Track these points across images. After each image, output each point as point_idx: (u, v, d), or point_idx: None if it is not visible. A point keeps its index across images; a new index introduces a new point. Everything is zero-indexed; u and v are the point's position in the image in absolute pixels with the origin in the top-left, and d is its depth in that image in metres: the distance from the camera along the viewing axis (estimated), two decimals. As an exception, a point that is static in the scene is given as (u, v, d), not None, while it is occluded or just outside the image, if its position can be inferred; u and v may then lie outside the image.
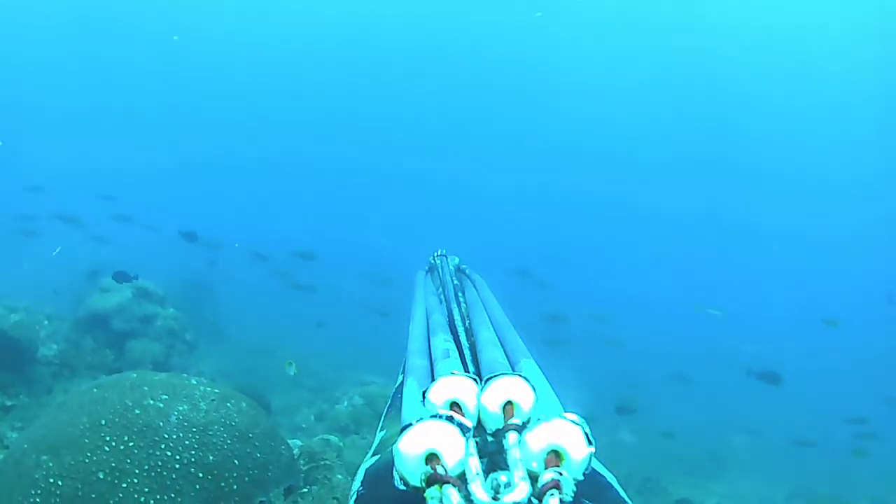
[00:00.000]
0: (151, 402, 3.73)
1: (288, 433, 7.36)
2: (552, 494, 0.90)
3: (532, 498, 0.91)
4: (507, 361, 1.75)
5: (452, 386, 1.21)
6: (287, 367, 7.37)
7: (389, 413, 2.11)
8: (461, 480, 0.94)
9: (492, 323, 2.09)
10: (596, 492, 1.25)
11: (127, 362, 7.92)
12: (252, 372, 9.82)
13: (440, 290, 2.79)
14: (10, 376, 6.67)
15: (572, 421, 1.05)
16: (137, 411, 3.64)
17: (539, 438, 1.02)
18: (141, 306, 8.71)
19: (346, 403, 8.79)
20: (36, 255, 13.11)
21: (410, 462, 1.00)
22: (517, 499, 0.89)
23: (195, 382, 4.09)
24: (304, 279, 13.17)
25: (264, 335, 12.47)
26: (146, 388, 3.84)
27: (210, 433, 3.69)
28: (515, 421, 1.10)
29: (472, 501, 0.90)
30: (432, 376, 1.70)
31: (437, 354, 1.82)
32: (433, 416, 1.05)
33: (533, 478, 0.95)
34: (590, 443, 1.03)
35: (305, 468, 4.59)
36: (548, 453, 1.01)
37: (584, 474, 1.02)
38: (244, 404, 4.06)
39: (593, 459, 1.04)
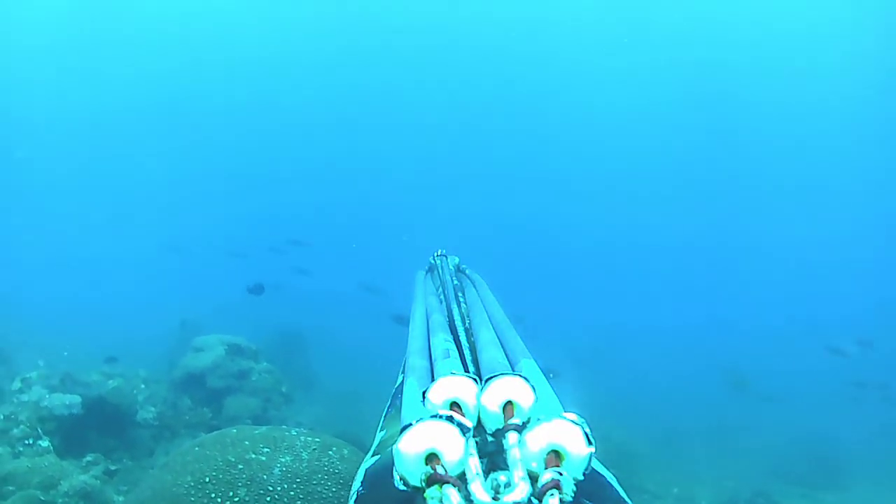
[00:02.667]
0: (253, 455, 3.74)
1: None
2: (552, 494, 0.90)
3: (532, 498, 0.91)
4: (507, 361, 1.75)
5: (452, 386, 1.21)
6: None
7: (389, 413, 2.11)
8: (461, 480, 0.94)
9: (492, 323, 2.09)
10: (596, 492, 1.25)
11: (225, 419, 8.08)
12: (349, 418, 9.89)
13: (440, 289, 2.79)
14: (112, 441, 6.88)
15: (572, 421, 1.05)
16: (241, 466, 3.65)
17: (539, 438, 1.02)
18: (235, 362, 8.87)
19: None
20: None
21: (410, 462, 1.00)
22: (517, 499, 0.89)
23: (295, 433, 4.09)
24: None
25: (357, 380, 12.43)
26: (247, 443, 3.86)
27: (314, 482, 3.68)
28: (515, 421, 1.10)
29: (472, 501, 0.90)
30: (432, 376, 1.70)
31: (437, 354, 1.82)
32: (433, 417, 1.05)
33: (533, 478, 0.95)
34: (589, 443, 1.03)
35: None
36: (548, 453, 1.01)
37: (584, 474, 1.02)
38: (346, 451, 4.03)
39: (593, 459, 1.04)
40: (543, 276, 24.46)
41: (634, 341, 17.28)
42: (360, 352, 13.70)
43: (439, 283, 2.88)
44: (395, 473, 1.02)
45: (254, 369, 8.94)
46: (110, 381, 7.70)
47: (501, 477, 0.96)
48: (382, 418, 2.13)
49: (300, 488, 3.61)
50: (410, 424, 1.03)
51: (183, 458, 3.87)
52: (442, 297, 2.66)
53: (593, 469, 1.04)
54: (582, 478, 1.01)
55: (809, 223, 28.78)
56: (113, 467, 6.57)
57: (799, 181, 29.73)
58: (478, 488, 0.92)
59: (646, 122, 30.87)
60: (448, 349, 1.83)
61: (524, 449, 1.01)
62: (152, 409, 7.69)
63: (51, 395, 7.02)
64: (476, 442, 1.05)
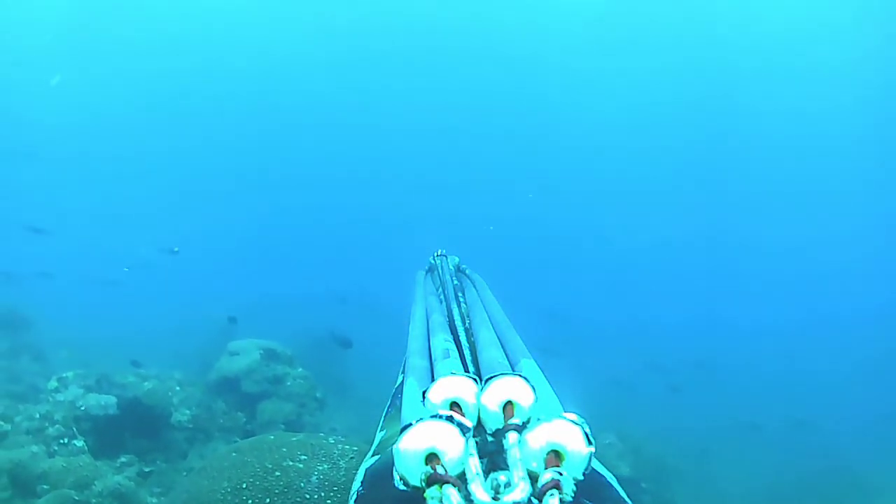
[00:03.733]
0: (291, 463, 3.73)
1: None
2: (552, 494, 0.90)
3: (532, 498, 0.91)
4: (507, 361, 1.75)
5: (452, 386, 1.21)
6: None
7: (389, 413, 2.11)
8: (461, 480, 0.94)
9: (492, 323, 2.09)
10: (596, 492, 1.25)
11: (259, 424, 8.09)
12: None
13: (440, 290, 2.79)
14: (146, 443, 6.92)
15: (572, 421, 1.05)
16: (278, 473, 3.65)
17: (539, 438, 1.02)
18: (270, 367, 8.90)
19: None
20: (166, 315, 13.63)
21: (410, 462, 1.00)
22: (517, 498, 0.89)
23: (332, 441, 4.08)
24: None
25: (392, 387, 12.59)
26: (284, 450, 3.84)
27: (352, 491, 3.72)
28: (515, 421, 1.10)
29: (472, 501, 0.90)
30: (432, 376, 1.70)
31: (437, 354, 1.82)
32: (433, 417, 1.05)
33: (533, 478, 0.95)
34: (589, 442, 1.03)
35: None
36: (548, 453, 1.01)
37: (583, 474, 1.02)
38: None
39: (593, 459, 1.04)
40: (567, 284, 24.54)
41: (662, 353, 17.35)
42: (396, 358, 13.88)
43: (439, 283, 2.88)
44: (395, 473, 1.02)
45: (289, 374, 8.95)
46: (145, 383, 7.75)
47: (501, 477, 0.96)
48: (382, 418, 2.13)
49: (338, 496, 3.59)
50: (410, 424, 1.03)
51: (220, 463, 3.86)
52: (442, 297, 2.66)
53: (593, 469, 1.04)
54: (582, 478, 1.01)
55: (810, 224, 28.85)
56: (147, 469, 6.63)
57: (798, 182, 29.79)
58: (478, 488, 0.92)
59: (646, 123, 30.92)
60: (448, 349, 1.83)
61: (524, 449, 1.01)
62: (187, 411, 7.72)
63: (86, 396, 7.06)
64: (476, 442, 1.05)
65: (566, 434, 1.03)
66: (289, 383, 8.84)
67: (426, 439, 1.01)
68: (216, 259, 20.93)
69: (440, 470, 0.96)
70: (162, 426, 7.18)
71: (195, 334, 12.06)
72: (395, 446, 1.02)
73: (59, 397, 7.20)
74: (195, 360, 10.17)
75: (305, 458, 3.80)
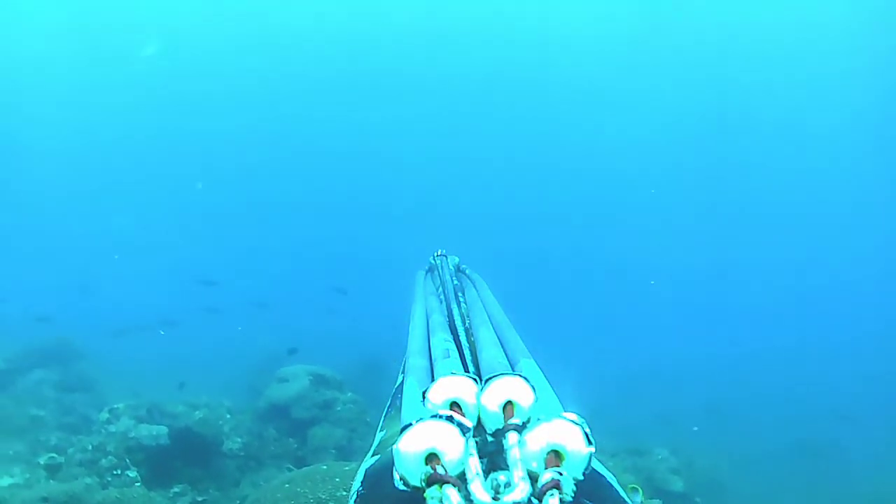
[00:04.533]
0: (344, 493, 3.72)
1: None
2: (552, 494, 0.90)
3: (532, 498, 0.91)
4: (507, 361, 1.75)
5: (452, 386, 1.21)
6: (631, 491, 7.36)
7: (389, 413, 2.11)
8: (461, 480, 0.94)
9: (492, 323, 2.09)
10: (596, 492, 1.25)
11: (310, 449, 8.11)
12: None
13: (440, 289, 2.78)
14: (198, 471, 6.98)
15: (572, 421, 1.05)
16: None
17: (539, 438, 1.02)
18: (320, 393, 8.94)
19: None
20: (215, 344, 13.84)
21: (410, 462, 1.00)
22: (517, 498, 0.89)
23: None
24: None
25: None
26: (338, 479, 3.87)
27: (407, 519, 3.71)
28: (515, 421, 1.10)
29: (472, 501, 0.90)
30: (432, 376, 1.70)
31: (436, 354, 1.82)
32: (433, 417, 1.05)
33: (533, 478, 0.95)
34: (589, 442, 1.03)
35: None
36: (548, 453, 1.01)
37: (583, 474, 1.02)
38: None
39: (593, 459, 1.04)
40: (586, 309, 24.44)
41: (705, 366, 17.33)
42: None
43: (439, 282, 2.88)
44: (395, 473, 1.02)
45: (339, 399, 8.97)
46: (196, 412, 7.84)
47: (501, 477, 0.96)
48: (382, 418, 2.13)
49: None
50: (410, 424, 1.03)
51: (273, 494, 3.85)
52: (442, 296, 2.66)
53: (593, 469, 1.04)
54: (582, 478, 1.01)
55: (818, 245, 28.87)
56: (200, 498, 6.68)
57: (805, 204, 29.79)
58: (478, 488, 0.92)
59: (651, 139, 30.98)
60: (448, 349, 1.83)
61: (524, 449, 1.01)
62: (238, 439, 7.79)
63: (138, 426, 7.14)
64: (476, 442, 1.05)
65: (566, 434, 1.02)
66: (339, 408, 8.86)
67: (426, 439, 1.01)
68: (255, 284, 21.12)
69: (440, 470, 0.96)
70: (213, 454, 7.24)
71: (244, 362, 12.15)
72: (395, 446, 1.02)
73: (112, 428, 7.30)
74: (244, 387, 10.25)
75: (359, 487, 3.80)
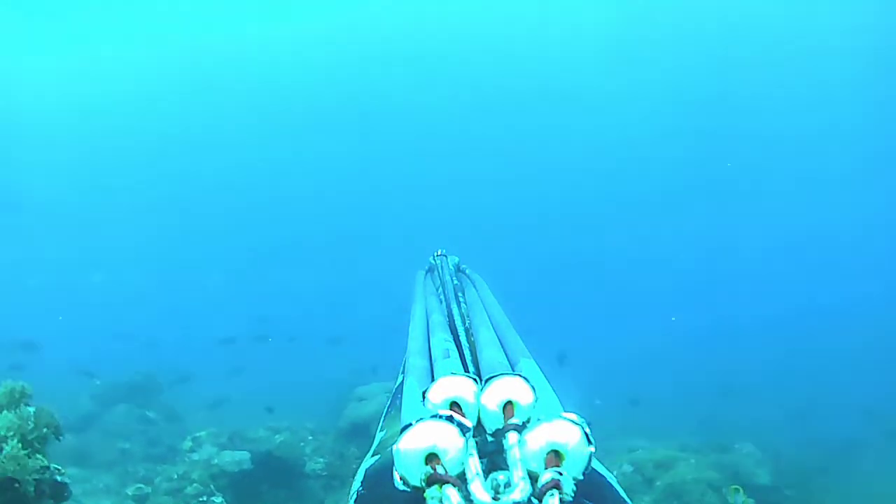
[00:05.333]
0: None
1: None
2: (552, 494, 0.90)
3: (532, 498, 0.91)
4: (506, 361, 1.75)
5: (452, 386, 1.21)
6: (733, 492, 7.30)
7: (389, 413, 2.11)
8: (461, 480, 0.94)
9: (491, 323, 2.09)
10: (596, 492, 1.25)
11: None
12: None
13: (440, 289, 2.78)
14: (282, 493, 7.16)
15: (572, 421, 1.05)
16: None
17: (539, 438, 1.02)
18: None
19: (615, 472, 8.88)
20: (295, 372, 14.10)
21: (410, 462, 1.00)
22: (517, 498, 0.89)
23: None
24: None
25: None
26: None
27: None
28: (515, 421, 1.10)
29: (472, 501, 0.90)
30: (432, 376, 1.70)
31: (436, 354, 1.82)
32: (433, 416, 1.05)
33: (533, 478, 0.95)
34: (590, 442, 1.03)
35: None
36: (548, 453, 1.01)
37: (583, 474, 1.02)
38: None
39: (593, 459, 1.04)
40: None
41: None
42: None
43: (439, 282, 2.88)
44: (395, 473, 1.02)
45: None
46: (277, 436, 8.04)
47: (501, 477, 0.96)
48: (382, 418, 2.13)
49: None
50: (410, 424, 1.03)
51: None
52: (442, 296, 2.66)
53: (593, 469, 1.04)
54: (582, 478, 1.01)
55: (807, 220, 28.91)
56: None
57: (797, 180, 29.84)
58: (478, 488, 0.92)
59: (644, 129, 30.95)
60: (448, 349, 1.83)
61: (524, 449, 1.01)
62: (320, 460, 7.92)
63: (221, 453, 7.37)
64: (476, 442, 1.05)
65: (566, 434, 1.02)
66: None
67: (426, 439, 1.01)
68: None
69: (440, 470, 0.96)
70: (297, 476, 7.40)
71: (322, 384, 12.29)
72: (394, 446, 1.02)
73: (195, 456, 7.52)
74: (327, 409, 10.36)
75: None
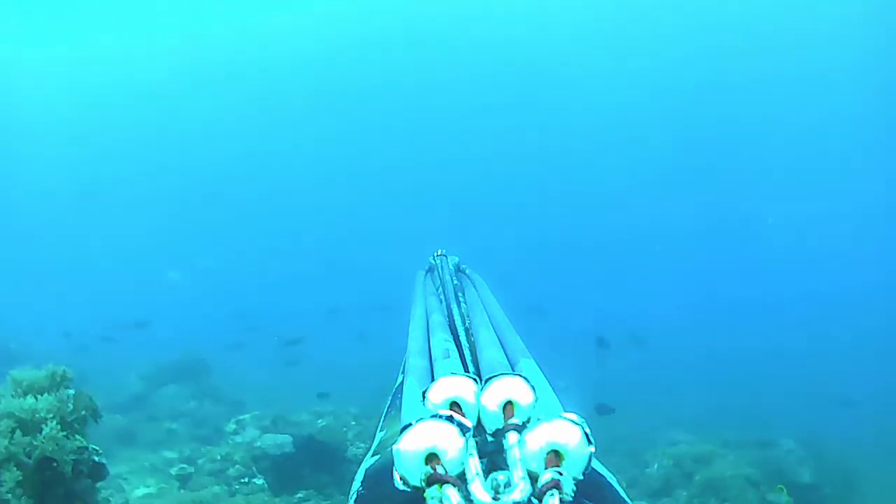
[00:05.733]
0: None
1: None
2: (552, 494, 0.90)
3: (532, 498, 0.91)
4: (506, 361, 1.75)
5: (452, 386, 1.21)
6: (777, 492, 7.28)
7: (389, 413, 2.11)
8: (461, 480, 0.94)
9: (491, 323, 2.09)
10: (596, 492, 1.25)
11: None
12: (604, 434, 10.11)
13: (440, 289, 2.78)
14: (324, 477, 7.20)
15: (572, 421, 1.05)
16: None
17: (539, 438, 1.02)
18: None
19: (655, 466, 8.93)
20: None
21: (410, 462, 1.00)
22: (517, 498, 0.89)
23: None
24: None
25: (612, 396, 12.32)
26: None
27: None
28: (515, 421, 1.10)
29: (472, 501, 0.90)
30: (432, 376, 1.70)
31: (436, 354, 1.82)
32: (433, 416, 1.04)
33: (533, 478, 0.95)
34: (590, 442, 1.03)
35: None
36: (548, 453, 1.01)
37: (583, 474, 1.02)
38: None
39: (593, 459, 1.04)
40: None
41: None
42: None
43: (439, 282, 2.88)
44: (395, 473, 1.02)
45: None
46: (320, 420, 8.15)
47: (501, 477, 0.96)
48: (382, 418, 2.13)
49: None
50: (410, 424, 1.03)
51: None
52: (442, 296, 2.66)
53: (593, 469, 1.04)
54: (582, 478, 1.01)
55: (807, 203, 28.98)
56: (325, 503, 6.90)
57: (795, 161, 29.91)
58: (478, 488, 0.92)
59: (642, 112, 31.01)
60: (448, 349, 1.83)
61: (524, 449, 1.01)
62: (363, 445, 7.93)
63: (263, 436, 7.47)
64: (476, 442, 1.05)
65: (566, 434, 1.02)
66: None
67: (426, 439, 1.01)
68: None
69: (440, 470, 0.96)
70: (338, 461, 7.43)
71: (371, 367, 12.36)
72: (394, 446, 1.02)
73: (238, 439, 7.71)
74: (370, 393, 10.42)
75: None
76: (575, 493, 0.94)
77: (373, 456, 1.76)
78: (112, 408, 9.68)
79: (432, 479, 0.95)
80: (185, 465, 7.69)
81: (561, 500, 0.90)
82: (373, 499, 1.46)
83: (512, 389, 1.16)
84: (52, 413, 3.30)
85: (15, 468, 3.09)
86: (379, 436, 1.94)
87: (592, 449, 1.03)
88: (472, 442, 1.02)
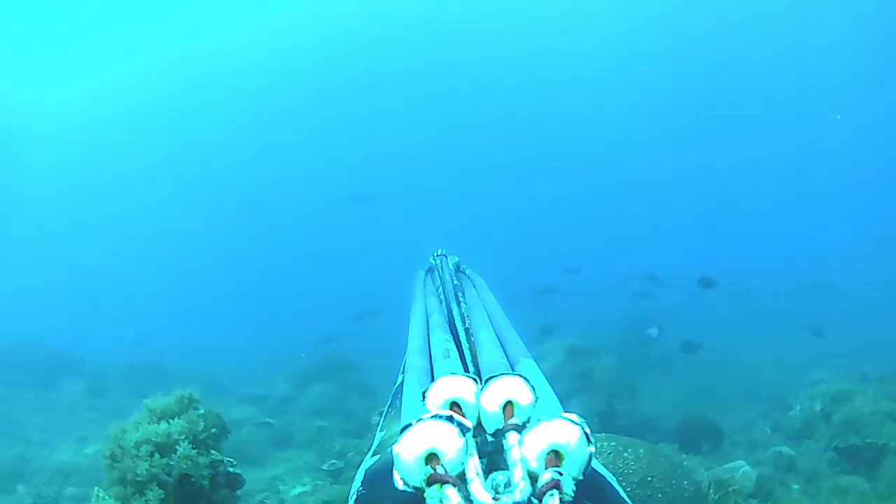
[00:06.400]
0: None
1: (744, 451, 7.79)
2: (552, 494, 0.90)
3: (532, 498, 0.91)
4: (506, 361, 1.75)
5: (452, 386, 1.21)
6: None
7: (389, 413, 2.11)
8: (461, 480, 0.94)
9: (491, 323, 2.09)
10: (596, 492, 1.25)
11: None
12: (704, 397, 10.02)
13: (440, 289, 2.79)
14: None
15: (572, 421, 1.05)
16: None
17: (539, 438, 1.02)
18: (575, 364, 9.13)
19: (798, 408, 8.79)
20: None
21: (410, 462, 1.00)
22: (517, 499, 0.89)
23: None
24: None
25: (714, 364, 12.03)
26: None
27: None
28: (515, 421, 1.10)
29: (472, 501, 0.90)
30: (432, 376, 1.70)
31: (436, 354, 1.82)
32: (433, 417, 1.04)
33: (533, 478, 0.95)
34: (589, 442, 1.03)
35: (716, 497, 4.98)
36: (548, 453, 1.01)
37: (583, 474, 1.02)
38: (641, 451, 4.40)
39: (593, 459, 1.04)
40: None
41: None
42: (717, 334, 13.24)
43: (439, 282, 2.88)
44: (395, 473, 1.02)
45: (595, 367, 9.16)
46: None
47: (501, 477, 0.96)
48: (382, 418, 2.13)
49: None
50: (410, 424, 1.03)
51: None
52: (442, 296, 2.66)
53: (593, 469, 1.04)
54: (582, 478, 1.01)
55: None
56: None
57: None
58: (478, 488, 0.92)
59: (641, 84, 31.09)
60: (448, 349, 1.83)
61: (524, 449, 1.01)
62: None
63: None
64: (476, 442, 1.05)
65: (566, 434, 1.02)
66: (596, 376, 9.02)
67: (426, 439, 1.00)
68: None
69: (440, 470, 0.96)
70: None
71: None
72: (394, 446, 1.02)
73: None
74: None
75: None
76: (575, 493, 0.94)
77: (373, 456, 1.76)
78: (264, 412, 10.35)
79: (432, 480, 0.95)
80: (335, 461, 7.90)
81: (561, 500, 0.90)
82: (373, 499, 1.46)
83: (512, 389, 1.16)
84: (183, 435, 3.65)
85: (157, 487, 3.47)
86: (379, 436, 1.94)
87: (593, 449, 1.03)
88: (471, 442, 1.02)
